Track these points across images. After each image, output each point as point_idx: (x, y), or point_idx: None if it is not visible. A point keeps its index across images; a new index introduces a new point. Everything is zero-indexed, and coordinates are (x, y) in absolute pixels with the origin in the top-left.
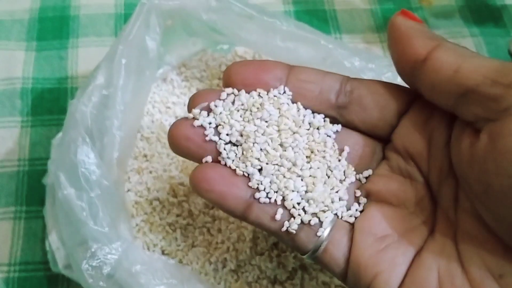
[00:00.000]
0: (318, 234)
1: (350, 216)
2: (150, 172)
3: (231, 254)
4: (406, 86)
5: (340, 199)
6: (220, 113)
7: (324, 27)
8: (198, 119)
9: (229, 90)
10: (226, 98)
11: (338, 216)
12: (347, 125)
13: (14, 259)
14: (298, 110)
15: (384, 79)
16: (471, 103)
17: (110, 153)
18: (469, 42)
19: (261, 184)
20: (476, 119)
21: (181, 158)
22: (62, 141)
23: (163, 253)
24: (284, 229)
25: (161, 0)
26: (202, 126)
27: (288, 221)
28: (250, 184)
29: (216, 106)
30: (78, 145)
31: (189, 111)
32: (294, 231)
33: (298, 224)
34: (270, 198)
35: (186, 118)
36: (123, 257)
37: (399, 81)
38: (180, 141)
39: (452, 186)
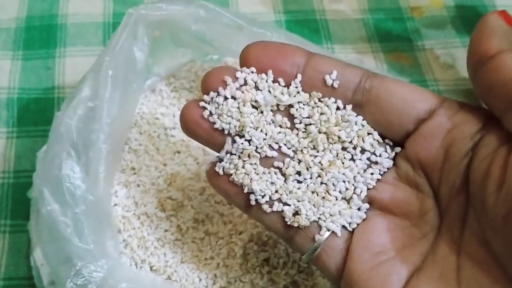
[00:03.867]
0: (316, 239)
1: (350, 223)
2: (138, 185)
3: (221, 271)
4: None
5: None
6: (231, 105)
7: (315, 37)
8: (207, 104)
9: (244, 72)
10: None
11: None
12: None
13: None
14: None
15: None
16: None
17: (96, 167)
18: (461, 52)
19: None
20: None
21: (169, 171)
22: (46, 155)
23: (151, 269)
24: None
25: (149, 11)
26: (210, 113)
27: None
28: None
29: (226, 97)
30: (62, 159)
31: (203, 91)
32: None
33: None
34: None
35: (196, 101)
36: (108, 275)
37: None
38: (191, 125)
39: (462, 204)
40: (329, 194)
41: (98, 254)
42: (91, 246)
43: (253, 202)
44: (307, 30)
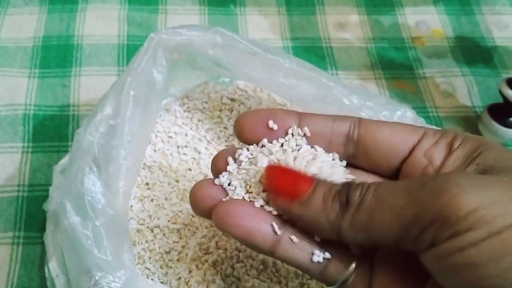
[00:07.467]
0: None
1: None
2: (152, 200)
3: (229, 282)
4: (411, 124)
5: None
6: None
7: (321, 63)
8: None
9: (245, 152)
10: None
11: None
12: (358, 167)
13: (11, 285)
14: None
15: (381, 117)
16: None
17: (115, 182)
18: (461, 81)
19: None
20: None
21: (181, 187)
22: (68, 170)
23: (161, 282)
24: (315, 259)
25: (169, 35)
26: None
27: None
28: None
29: (232, 169)
30: (84, 174)
31: (214, 174)
32: (322, 260)
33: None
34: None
35: (207, 179)
36: (126, 285)
37: (395, 118)
38: (204, 201)
39: None
40: None
41: (116, 265)
42: (110, 258)
43: (279, 232)
44: (313, 57)
